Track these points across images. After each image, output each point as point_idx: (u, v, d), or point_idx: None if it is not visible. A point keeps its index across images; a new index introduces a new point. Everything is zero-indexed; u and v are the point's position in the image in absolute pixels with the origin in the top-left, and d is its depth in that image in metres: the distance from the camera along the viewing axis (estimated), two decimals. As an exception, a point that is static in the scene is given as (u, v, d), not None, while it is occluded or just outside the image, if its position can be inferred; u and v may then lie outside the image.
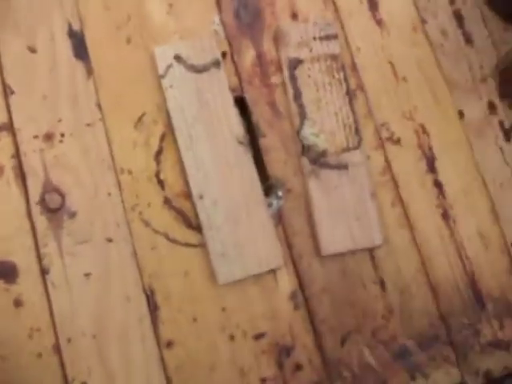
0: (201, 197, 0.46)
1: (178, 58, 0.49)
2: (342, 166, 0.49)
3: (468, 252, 0.51)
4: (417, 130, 0.53)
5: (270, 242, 0.47)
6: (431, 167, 0.52)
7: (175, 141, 0.47)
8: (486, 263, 0.51)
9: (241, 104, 0.50)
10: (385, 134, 0.52)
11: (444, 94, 0.54)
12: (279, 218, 0.48)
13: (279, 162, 0.50)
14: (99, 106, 0.48)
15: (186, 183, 0.47)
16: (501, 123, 0.55)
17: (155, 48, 0.48)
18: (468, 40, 0.56)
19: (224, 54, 0.51)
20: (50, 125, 0.47)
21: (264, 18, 0.53)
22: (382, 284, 0.49)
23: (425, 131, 0.53)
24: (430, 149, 0.53)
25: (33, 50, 0.48)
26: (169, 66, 0.48)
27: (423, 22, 0.56)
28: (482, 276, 0.51)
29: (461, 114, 0.54)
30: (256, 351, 0.46)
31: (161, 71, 0.48)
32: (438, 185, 0.52)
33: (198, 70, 0.49)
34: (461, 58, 0.55)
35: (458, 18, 0.57)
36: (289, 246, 0.48)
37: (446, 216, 0.51)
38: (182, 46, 0.49)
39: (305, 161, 0.49)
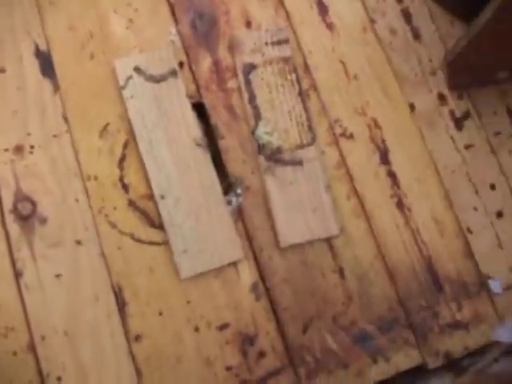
0: (162, 197, 0.49)
1: (137, 69, 0.52)
2: (297, 162, 0.52)
3: (424, 237, 0.53)
4: (369, 124, 0.55)
5: (229, 236, 0.49)
6: (384, 159, 0.55)
7: (137, 147, 0.51)
8: (442, 247, 0.53)
9: (200, 109, 0.54)
10: (338, 130, 0.55)
11: (394, 88, 0.57)
12: (239, 214, 0.51)
13: (238, 162, 0.53)
14: (66, 119, 0.51)
15: (149, 185, 0.50)
16: (451, 113, 0.57)
17: (116, 61, 0.52)
18: (416, 36, 0.59)
19: (181, 64, 0.54)
20: (19, 138, 0.50)
21: (219, 27, 0.56)
22: (341, 272, 0.51)
23: (377, 125, 0.55)
24: (383, 141, 0.55)
25: (2, 71, 0.52)
26: (129, 78, 0.52)
27: (372, 22, 0.59)
28: (439, 260, 0.53)
29: (412, 107, 0.56)
30: (220, 341, 0.48)
31: (121, 82, 0.51)
32: (391, 175, 0.54)
33: (157, 79, 0.52)
34: (410, 54, 0.58)
35: (406, 15, 0.59)
36: (249, 239, 0.51)
37: (400, 204, 0.54)
38: (141, 57, 0.52)
39: (261, 159, 0.52)
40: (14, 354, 0.46)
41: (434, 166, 0.55)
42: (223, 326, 0.48)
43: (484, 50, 0.50)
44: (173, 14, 0.56)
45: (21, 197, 0.49)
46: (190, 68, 0.54)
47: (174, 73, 0.52)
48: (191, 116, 0.52)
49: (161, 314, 0.48)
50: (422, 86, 0.57)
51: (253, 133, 0.53)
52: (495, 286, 0.53)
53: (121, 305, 0.48)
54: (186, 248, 0.48)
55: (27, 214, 0.49)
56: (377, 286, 0.51)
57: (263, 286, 0.50)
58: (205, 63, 0.55)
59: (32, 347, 0.46)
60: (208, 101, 0.54)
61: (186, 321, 0.48)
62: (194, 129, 0.51)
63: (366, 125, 0.55)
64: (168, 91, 0.52)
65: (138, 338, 0.47)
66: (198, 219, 0.49)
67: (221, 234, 0.49)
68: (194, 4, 0.56)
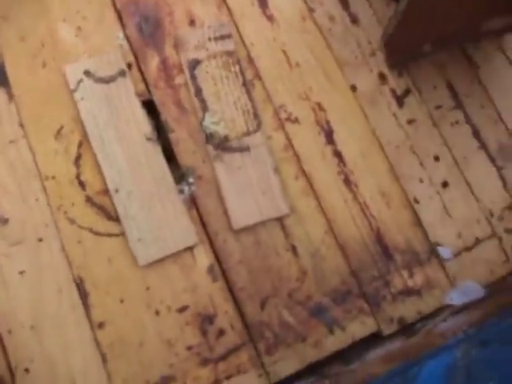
0: (116, 190, 0.52)
1: (87, 72, 0.55)
2: (244, 148, 0.55)
3: (372, 210, 0.55)
4: (313, 108, 0.58)
5: (183, 222, 0.52)
6: (329, 139, 0.57)
7: (91, 146, 0.53)
8: (390, 218, 0.55)
9: (150, 106, 0.56)
10: (283, 115, 0.57)
11: (336, 72, 0.59)
12: (193, 202, 0.53)
13: (188, 153, 0.55)
14: (22, 125, 0.54)
15: (104, 181, 0.52)
16: (392, 91, 0.59)
17: (66, 66, 0.55)
18: (354, 20, 0.61)
19: (130, 65, 0.57)
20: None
21: (164, 28, 0.59)
22: (294, 250, 0.53)
23: (321, 108, 0.58)
24: (328, 123, 0.57)
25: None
26: (79, 81, 0.54)
27: (311, 10, 0.61)
28: (388, 231, 0.55)
29: (353, 88, 0.59)
30: (181, 323, 0.50)
31: (72, 86, 0.54)
32: (337, 154, 0.57)
33: (106, 80, 0.55)
34: (349, 38, 0.61)
35: (344, 2, 0.62)
36: (204, 225, 0.53)
37: (347, 181, 0.56)
38: (90, 62, 0.55)
39: (209, 148, 0.54)
40: (-17, 349, 0.48)
41: (377, 143, 0.57)
42: (182, 309, 0.51)
43: (411, 26, 0.53)
44: (119, 19, 0.58)
45: (-18, 201, 0.52)
46: (139, 68, 0.57)
47: (122, 73, 0.55)
48: (141, 113, 0.54)
49: (122, 301, 0.50)
50: (363, 68, 0.60)
51: (201, 124, 0.55)
52: (445, 252, 0.55)
53: (83, 296, 0.50)
54: (140, 237, 0.51)
55: (-11, 217, 0.51)
56: (329, 260, 0.53)
57: (219, 268, 0.52)
58: (153, 62, 0.57)
59: (0, 341, 0.48)
60: (157, 98, 0.56)
61: (146, 306, 0.50)
62: (144, 124, 0.54)
63: (310, 109, 0.58)
64: (117, 91, 0.55)
65: (101, 325, 0.49)
66: (152, 209, 0.52)
67: (174, 221, 0.51)
68: (139, 8, 0.59)
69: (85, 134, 0.54)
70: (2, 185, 0.52)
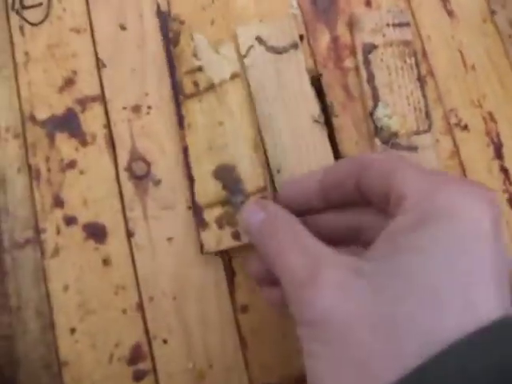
0: (278, 171, 0.48)
1: (259, 38, 0.51)
2: (413, 148, 0.51)
3: (533, 237, 0.52)
4: (485, 117, 0.54)
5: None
6: (498, 153, 0.53)
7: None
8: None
9: (316, 86, 0.53)
10: (453, 120, 0.54)
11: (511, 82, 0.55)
12: (350, 196, 0.50)
13: (351, 142, 0.52)
14: (183, 82, 0.50)
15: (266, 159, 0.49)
16: None
17: (237, 28, 0.51)
18: (537, 32, 0.57)
19: (301, 37, 0.53)
20: (137, 97, 0.50)
21: (338, 5, 0.55)
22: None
23: (493, 119, 0.54)
24: (498, 135, 0.54)
25: (123, 28, 0.51)
26: (250, 47, 0.51)
27: (493, 13, 0.57)
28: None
29: (528, 103, 0.55)
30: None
31: (243, 51, 0.51)
32: (504, 171, 0.53)
33: (279, 51, 0.51)
34: (529, 49, 0.56)
35: (528, 10, 0.58)
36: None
37: (511, 201, 0.52)
38: (263, 27, 0.51)
39: (377, 141, 0.51)
40: (124, 311, 0.46)
41: (547, 166, 0.54)
42: (329, 306, 0.48)
43: None
44: (294, -14, 0.55)
45: (136, 156, 0.49)
46: (309, 43, 0.53)
47: (295, 45, 0.51)
48: (310, 91, 0.51)
49: (269, 287, 0.47)
50: (540, 83, 0.56)
51: (371, 114, 0.52)
52: None
53: (230, 273, 0.47)
54: None
55: (141, 175, 0.48)
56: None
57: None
58: (323, 39, 0.54)
59: (141, 307, 0.46)
60: (325, 78, 0.53)
61: (293, 296, 0.47)
62: (313, 104, 0.50)
63: (481, 117, 0.54)
64: (288, 63, 0.51)
65: (244, 308, 0.47)
66: (313, 196, 0.48)
67: None
68: (315, -22, 0.55)
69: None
70: (158, 143, 0.49)
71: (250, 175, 0.49)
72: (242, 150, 0.50)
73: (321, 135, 0.50)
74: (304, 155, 0.49)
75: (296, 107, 0.50)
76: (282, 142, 0.49)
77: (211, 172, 0.49)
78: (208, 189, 0.49)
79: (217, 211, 0.48)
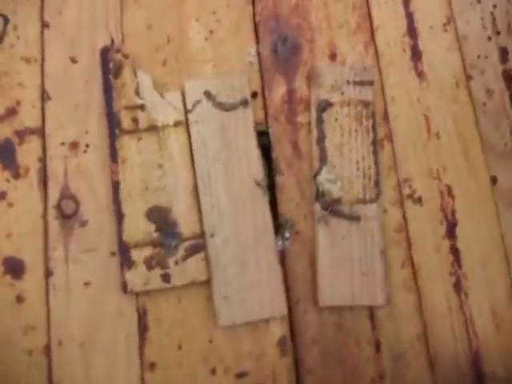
0: (212, 235, 0.46)
1: (207, 93, 0.49)
2: (354, 217, 0.48)
3: (476, 328, 0.48)
4: (442, 191, 0.50)
5: (275, 288, 0.46)
6: (450, 232, 0.49)
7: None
8: (496, 344, 0.48)
9: (263, 140, 0.50)
10: (406, 191, 0.50)
11: (478, 156, 0.51)
12: (282, 259, 0.48)
13: (292, 203, 0.49)
14: (126, 123, 0.49)
15: (201, 221, 0.47)
16: (537, 196, 0.51)
17: (186, 81, 0.49)
18: (515, 103, 0.53)
19: (255, 94, 0.50)
20: (77, 134, 0.49)
21: (301, 55, 0.52)
22: (378, 346, 0.47)
23: (451, 194, 0.50)
24: (453, 213, 0.50)
25: (74, 61, 0.50)
26: (197, 102, 0.49)
27: (468, 78, 0.53)
28: (489, 357, 0.47)
29: (494, 180, 0.51)
30: (235, 390, 0.45)
31: (189, 106, 0.48)
32: (454, 251, 0.49)
33: (226, 108, 0.49)
34: (503, 121, 0.52)
35: (508, 78, 0.53)
36: (286, 289, 0.47)
37: (457, 286, 0.48)
38: (213, 82, 0.49)
39: (317, 206, 0.48)
40: (30, 353, 0.45)
41: (503, 252, 0.49)
42: (241, 375, 0.46)
43: None
44: (255, 32, 0.52)
45: (67, 194, 0.48)
46: (263, 94, 0.51)
47: (245, 103, 0.49)
48: (255, 153, 0.48)
49: (180, 347, 0.45)
50: (510, 160, 0.51)
51: (314, 176, 0.49)
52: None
53: (142, 328, 0.46)
54: (227, 294, 0.45)
55: (69, 214, 0.47)
56: (413, 369, 0.47)
57: (291, 342, 0.46)
58: (279, 91, 0.51)
59: (48, 351, 0.45)
60: (274, 132, 0.50)
61: (203, 360, 0.45)
62: (257, 167, 0.48)
63: (438, 190, 0.50)
64: (236, 122, 0.48)
65: (152, 366, 0.45)
66: (245, 264, 0.46)
67: (267, 284, 0.46)
68: (279, 26, 0.53)
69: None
70: (90, 183, 0.48)
71: (187, 220, 0.48)
72: (180, 194, 0.48)
73: (261, 201, 0.47)
74: (241, 221, 0.47)
75: (238, 169, 0.48)
76: (219, 205, 0.47)
77: (144, 212, 0.47)
78: (138, 228, 0.47)
79: (147, 251, 0.47)
